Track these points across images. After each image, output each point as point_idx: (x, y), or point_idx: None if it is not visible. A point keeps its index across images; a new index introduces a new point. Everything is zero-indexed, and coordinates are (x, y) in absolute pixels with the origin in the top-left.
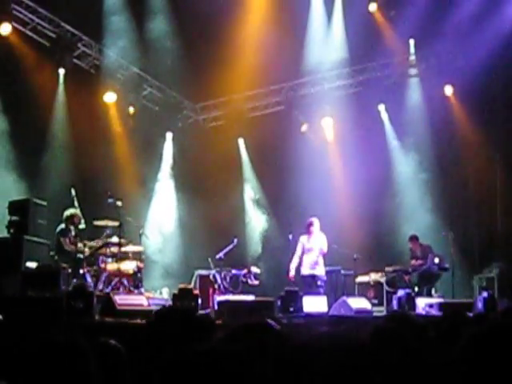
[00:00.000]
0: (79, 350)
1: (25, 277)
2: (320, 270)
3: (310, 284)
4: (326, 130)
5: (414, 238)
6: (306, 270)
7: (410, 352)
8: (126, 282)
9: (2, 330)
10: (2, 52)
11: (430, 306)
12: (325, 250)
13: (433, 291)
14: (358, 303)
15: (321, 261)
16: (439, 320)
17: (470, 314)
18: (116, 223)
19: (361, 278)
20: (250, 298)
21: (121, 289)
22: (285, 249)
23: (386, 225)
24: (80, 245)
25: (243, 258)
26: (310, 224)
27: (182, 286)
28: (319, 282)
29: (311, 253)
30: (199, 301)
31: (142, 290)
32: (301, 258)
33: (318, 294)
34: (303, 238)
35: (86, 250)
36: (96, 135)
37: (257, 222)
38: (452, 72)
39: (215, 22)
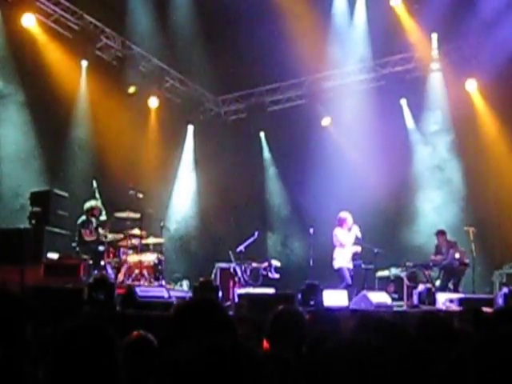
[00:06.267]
0: (105, 335)
1: (46, 268)
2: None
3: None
4: (347, 124)
5: (441, 233)
6: (349, 264)
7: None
8: (146, 274)
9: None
10: (25, 43)
11: (451, 301)
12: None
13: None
14: (379, 297)
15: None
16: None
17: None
18: (137, 215)
19: (381, 273)
20: (271, 290)
21: (141, 280)
22: (306, 242)
23: (407, 219)
24: (101, 236)
25: (264, 251)
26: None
27: (202, 278)
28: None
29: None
30: (220, 293)
31: (163, 281)
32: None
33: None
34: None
35: (108, 235)
36: (118, 127)
37: (278, 215)
38: (475, 67)
39: (238, 15)
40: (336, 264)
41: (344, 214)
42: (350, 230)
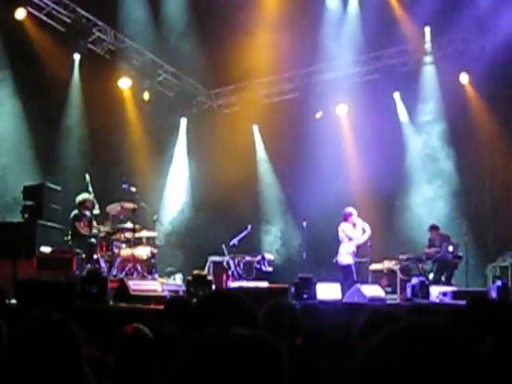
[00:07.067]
0: (68, 331)
1: (39, 261)
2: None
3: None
4: (340, 117)
5: (434, 228)
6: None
7: None
8: (139, 268)
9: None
10: (17, 37)
11: (444, 294)
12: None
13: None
14: (372, 291)
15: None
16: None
17: None
18: (130, 206)
19: (374, 266)
20: (264, 284)
21: (134, 274)
22: (299, 235)
23: (401, 212)
24: (94, 230)
25: (257, 244)
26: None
27: (195, 272)
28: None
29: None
30: (213, 287)
31: (156, 275)
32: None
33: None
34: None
35: (101, 229)
36: (111, 121)
37: (271, 208)
38: (468, 60)
39: (231, 8)
40: (344, 260)
41: (350, 209)
42: (354, 225)
